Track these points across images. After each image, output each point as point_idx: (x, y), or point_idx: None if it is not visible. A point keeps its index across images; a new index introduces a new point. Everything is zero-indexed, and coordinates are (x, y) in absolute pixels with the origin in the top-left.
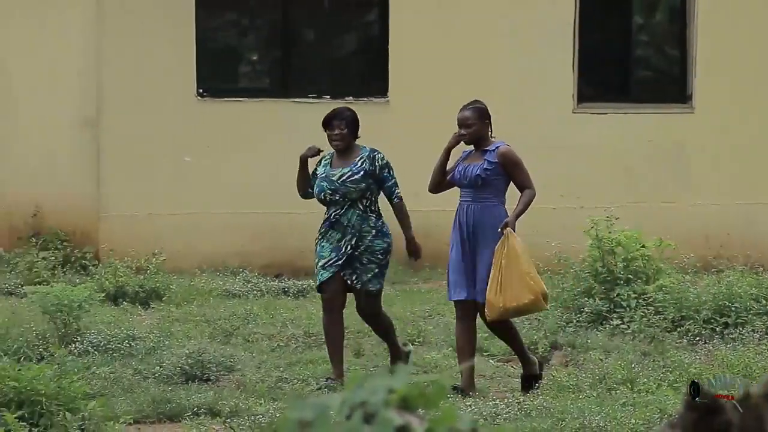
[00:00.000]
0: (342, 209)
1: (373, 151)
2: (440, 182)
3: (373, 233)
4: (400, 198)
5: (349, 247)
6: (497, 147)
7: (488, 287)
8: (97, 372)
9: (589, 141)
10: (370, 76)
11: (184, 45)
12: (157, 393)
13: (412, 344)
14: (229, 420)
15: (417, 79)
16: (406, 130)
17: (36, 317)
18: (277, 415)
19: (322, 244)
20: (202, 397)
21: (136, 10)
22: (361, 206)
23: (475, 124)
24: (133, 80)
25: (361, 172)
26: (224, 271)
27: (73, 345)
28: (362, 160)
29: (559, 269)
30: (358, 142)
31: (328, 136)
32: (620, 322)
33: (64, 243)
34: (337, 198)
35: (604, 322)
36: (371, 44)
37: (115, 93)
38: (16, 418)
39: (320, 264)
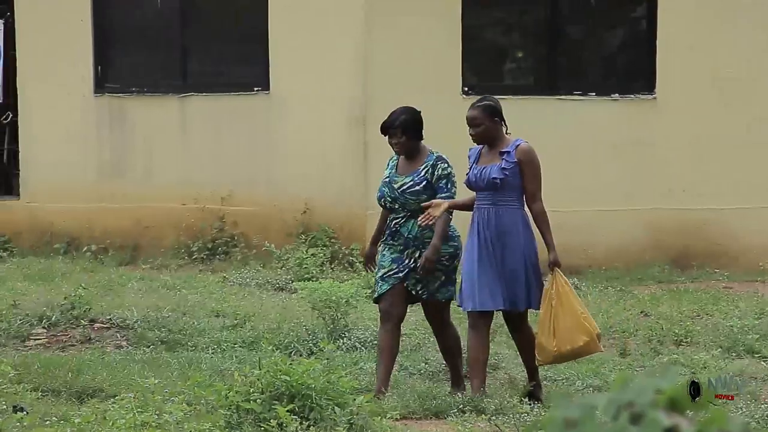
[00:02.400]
0: (402, 219)
1: (438, 159)
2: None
3: None
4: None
5: (411, 260)
6: (517, 145)
7: (539, 330)
8: (365, 368)
9: None
10: (637, 73)
11: (451, 43)
12: (423, 389)
13: (680, 345)
14: (494, 418)
15: (686, 74)
16: (674, 126)
17: (306, 313)
18: (543, 413)
19: (384, 252)
20: (468, 395)
21: (403, 9)
22: None
23: (483, 124)
24: (399, 79)
25: (423, 182)
26: None
27: (341, 340)
28: (426, 168)
29: None
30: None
31: (389, 142)
32: None
33: (332, 240)
34: (396, 207)
35: None
36: (639, 40)
37: (382, 91)
38: (287, 411)
39: (379, 274)
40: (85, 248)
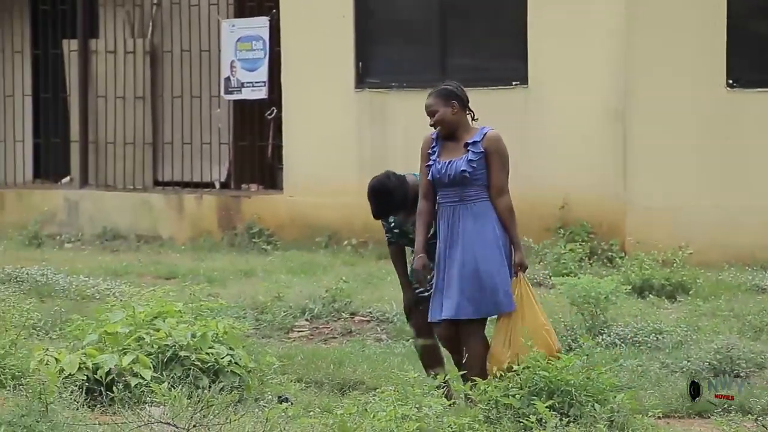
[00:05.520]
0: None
1: None
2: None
3: None
4: None
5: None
6: (485, 133)
7: (494, 337)
8: (625, 364)
9: None
10: None
11: (714, 33)
12: (686, 388)
13: None
14: (761, 418)
15: None
16: None
17: (564, 308)
18: None
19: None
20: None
21: None
22: None
23: (438, 110)
24: (660, 70)
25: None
26: (753, 265)
27: (601, 337)
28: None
29: None
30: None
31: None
32: None
33: (591, 235)
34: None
35: None
36: None
37: (642, 83)
38: (546, 407)
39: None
40: (346, 242)
